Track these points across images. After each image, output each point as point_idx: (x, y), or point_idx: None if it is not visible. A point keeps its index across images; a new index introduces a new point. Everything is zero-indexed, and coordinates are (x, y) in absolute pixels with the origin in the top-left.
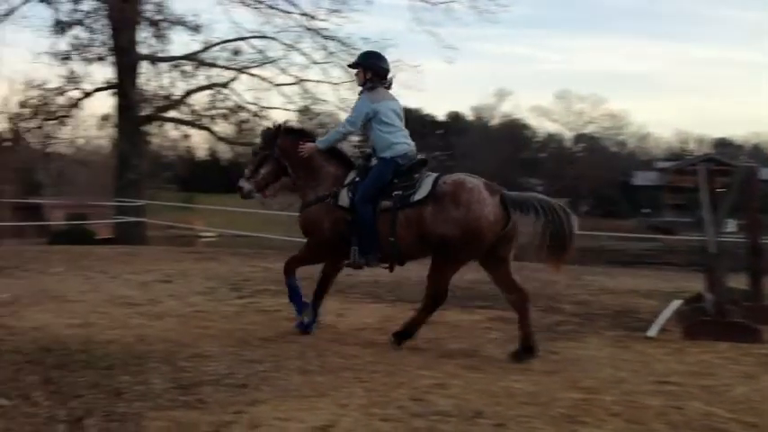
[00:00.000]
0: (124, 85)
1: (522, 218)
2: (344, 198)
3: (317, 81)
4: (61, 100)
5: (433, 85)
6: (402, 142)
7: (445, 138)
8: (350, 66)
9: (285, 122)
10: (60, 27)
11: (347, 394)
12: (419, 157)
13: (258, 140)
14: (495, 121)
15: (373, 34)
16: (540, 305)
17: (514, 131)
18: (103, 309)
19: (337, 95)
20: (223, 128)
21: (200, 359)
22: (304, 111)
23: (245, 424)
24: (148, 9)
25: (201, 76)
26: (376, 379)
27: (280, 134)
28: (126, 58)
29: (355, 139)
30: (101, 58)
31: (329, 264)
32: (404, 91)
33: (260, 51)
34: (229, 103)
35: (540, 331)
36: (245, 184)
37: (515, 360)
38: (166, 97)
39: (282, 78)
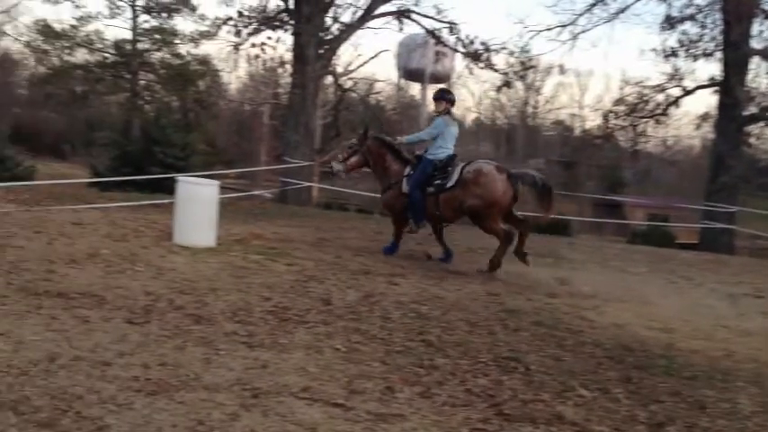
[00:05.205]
0: (730, 83)
1: (522, 186)
2: (404, 186)
3: None
4: (659, 98)
5: None
6: (444, 153)
7: None
8: (434, 98)
9: (372, 131)
10: (670, 23)
11: None
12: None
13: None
14: None
15: None
16: None
17: None
18: (686, 316)
19: None
20: None
21: None
22: None
23: None
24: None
25: None
26: None
27: (369, 138)
28: (736, 54)
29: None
30: (707, 54)
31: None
32: None
33: None
34: None
35: None
36: (336, 165)
37: (492, 267)
38: None
39: None
